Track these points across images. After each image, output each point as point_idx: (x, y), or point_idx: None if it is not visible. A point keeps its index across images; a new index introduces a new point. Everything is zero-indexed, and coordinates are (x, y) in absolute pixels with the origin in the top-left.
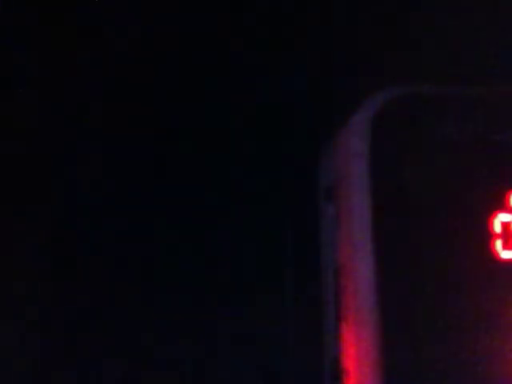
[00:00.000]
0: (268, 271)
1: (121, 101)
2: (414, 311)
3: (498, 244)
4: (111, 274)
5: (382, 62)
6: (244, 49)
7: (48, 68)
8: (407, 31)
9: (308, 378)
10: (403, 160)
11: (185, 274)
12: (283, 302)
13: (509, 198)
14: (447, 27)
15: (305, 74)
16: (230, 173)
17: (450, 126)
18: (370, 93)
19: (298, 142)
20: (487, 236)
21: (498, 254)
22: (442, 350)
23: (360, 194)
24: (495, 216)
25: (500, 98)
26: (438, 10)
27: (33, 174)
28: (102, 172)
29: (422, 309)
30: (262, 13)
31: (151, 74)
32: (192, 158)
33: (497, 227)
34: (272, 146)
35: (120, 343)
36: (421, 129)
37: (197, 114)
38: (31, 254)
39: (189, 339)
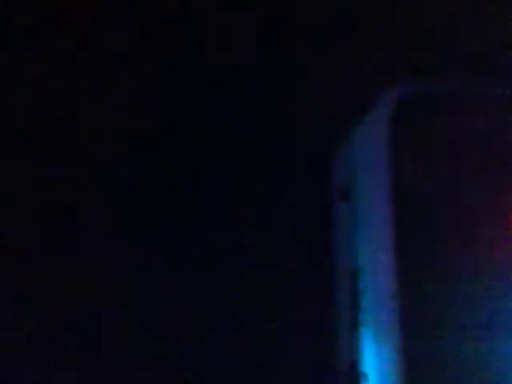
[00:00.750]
0: (279, 273)
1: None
2: (436, 313)
3: None
4: (110, 274)
5: (396, 59)
6: (249, 48)
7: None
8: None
9: (322, 381)
10: (424, 154)
11: (195, 276)
12: (295, 304)
13: None
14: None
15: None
16: (242, 173)
17: (466, 118)
18: (386, 88)
19: (310, 143)
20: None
21: None
22: (465, 352)
23: (381, 191)
24: None
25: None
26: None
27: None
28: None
29: (444, 311)
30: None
31: (154, 74)
32: (198, 157)
33: None
34: (284, 147)
35: (118, 343)
36: (438, 123)
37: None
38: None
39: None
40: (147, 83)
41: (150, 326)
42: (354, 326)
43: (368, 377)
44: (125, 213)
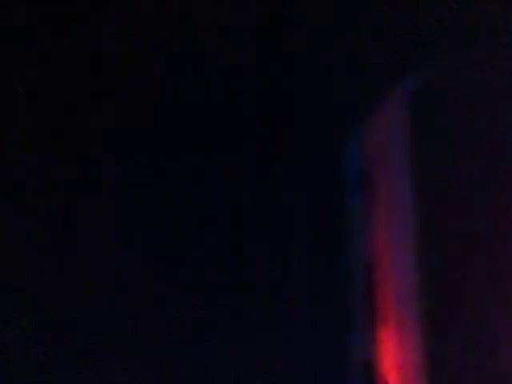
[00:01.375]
0: (289, 271)
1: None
2: (463, 308)
3: None
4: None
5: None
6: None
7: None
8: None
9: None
10: (447, 142)
11: (198, 274)
12: (305, 302)
13: None
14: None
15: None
16: (249, 169)
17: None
18: (399, 80)
19: (321, 136)
20: None
21: None
22: (494, 354)
23: (401, 178)
24: None
25: None
26: None
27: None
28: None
29: (472, 305)
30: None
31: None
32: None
33: None
34: (294, 140)
35: (118, 339)
36: (458, 108)
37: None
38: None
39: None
40: (147, 83)
41: (151, 327)
42: (371, 323)
43: (387, 378)
44: (125, 213)
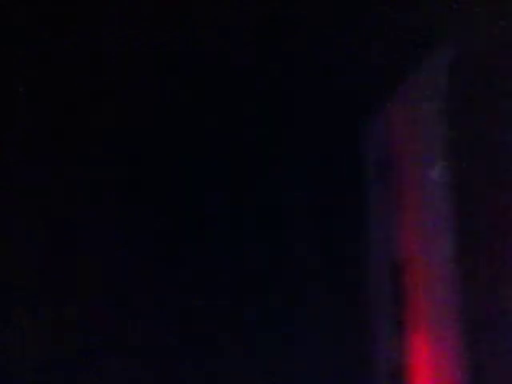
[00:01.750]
0: (308, 269)
1: None
2: (500, 310)
3: None
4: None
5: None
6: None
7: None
8: None
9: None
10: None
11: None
12: (325, 303)
13: None
14: None
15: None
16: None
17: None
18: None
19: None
20: None
21: None
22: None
23: (434, 157)
24: None
25: None
26: None
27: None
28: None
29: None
30: None
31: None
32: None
33: None
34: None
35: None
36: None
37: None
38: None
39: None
40: (147, 83)
41: (151, 327)
42: (399, 326)
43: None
44: (125, 213)
